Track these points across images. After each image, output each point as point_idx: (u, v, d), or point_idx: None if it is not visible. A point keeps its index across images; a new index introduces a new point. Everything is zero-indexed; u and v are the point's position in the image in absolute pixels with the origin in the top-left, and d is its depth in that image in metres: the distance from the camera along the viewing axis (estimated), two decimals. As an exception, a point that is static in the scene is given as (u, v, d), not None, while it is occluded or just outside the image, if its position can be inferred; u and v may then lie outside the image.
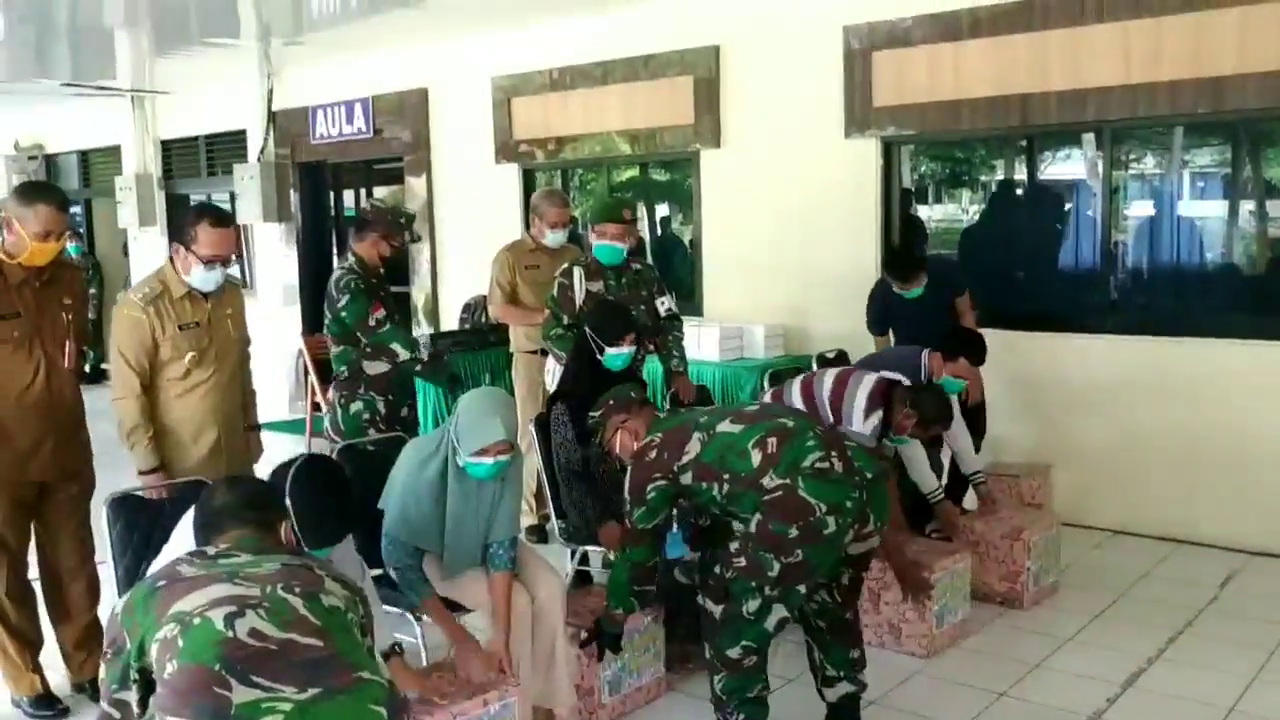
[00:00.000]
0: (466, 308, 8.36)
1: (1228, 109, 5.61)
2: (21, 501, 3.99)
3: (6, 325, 3.85)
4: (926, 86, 6.42)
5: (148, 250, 11.65)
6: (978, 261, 6.72)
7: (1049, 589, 5.08)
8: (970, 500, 5.42)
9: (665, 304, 5.35)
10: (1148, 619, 4.79)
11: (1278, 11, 5.34)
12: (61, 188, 13.95)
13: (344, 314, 4.89)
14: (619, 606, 3.68)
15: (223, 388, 4.12)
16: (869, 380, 4.49)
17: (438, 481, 3.59)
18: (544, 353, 5.45)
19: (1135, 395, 5.95)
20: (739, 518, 3.33)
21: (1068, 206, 6.53)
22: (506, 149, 8.63)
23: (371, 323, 4.91)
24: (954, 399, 4.98)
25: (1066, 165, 6.63)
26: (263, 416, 4.56)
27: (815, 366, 5.76)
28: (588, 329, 4.56)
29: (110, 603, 2.93)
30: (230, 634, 2.05)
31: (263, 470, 3.66)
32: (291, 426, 8.70)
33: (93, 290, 11.21)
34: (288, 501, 2.88)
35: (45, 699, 4.11)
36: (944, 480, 5.07)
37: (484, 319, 7.53)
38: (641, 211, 8.61)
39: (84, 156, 13.41)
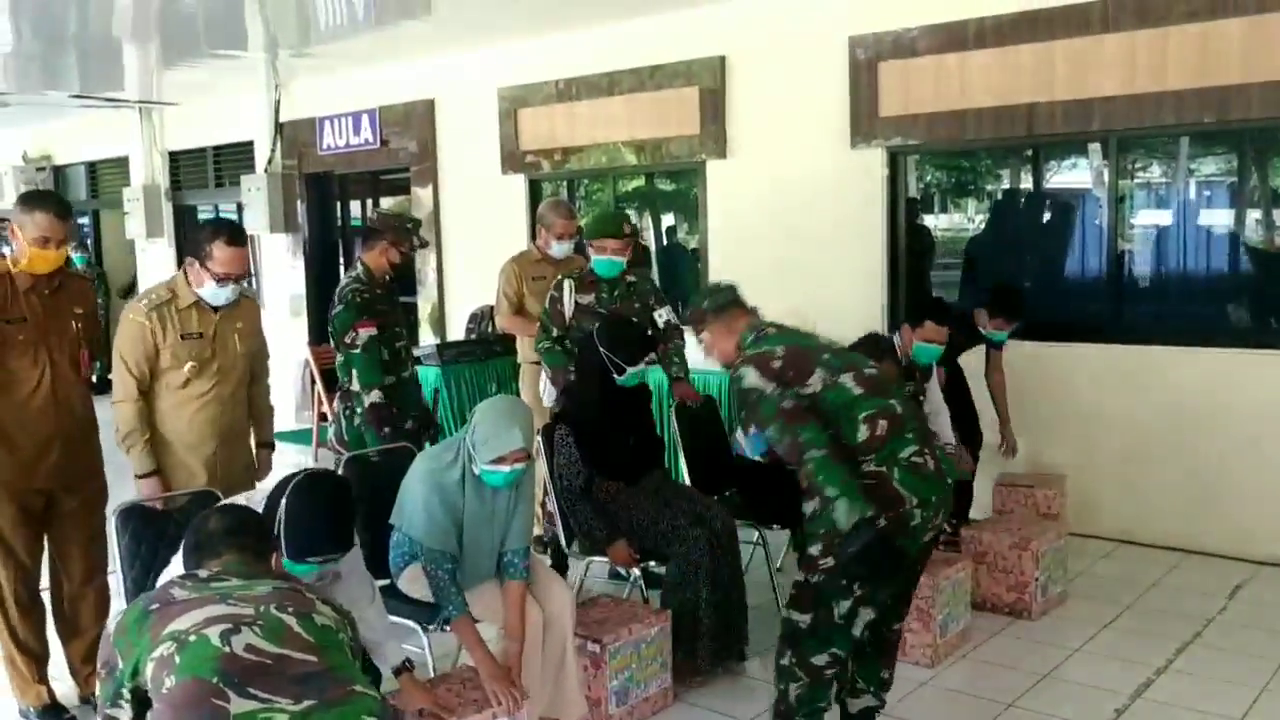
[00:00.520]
0: (473, 318, 8.37)
1: (1233, 118, 5.61)
2: (29, 510, 3.99)
3: (12, 329, 3.87)
4: (932, 97, 6.43)
5: (155, 261, 11.70)
6: (983, 271, 6.72)
7: (1057, 599, 5.08)
8: (978, 510, 5.41)
9: (664, 316, 5.32)
10: (1156, 629, 4.78)
11: (1283, 21, 5.35)
12: (67, 198, 14.02)
13: (334, 322, 4.91)
14: (855, 508, 3.38)
15: (223, 401, 4.12)
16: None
17: (456, 490, 3.60)
18: None
19: (1143, 404, 5.94)
20: (818, 490, 3.21)
21: (1073, 216, 6.53)
22: (513, 159, 8.65)
23: (347, 339, 4.85)
24: (937, 372, 5.04)
25: (1072, 175, 6.63)
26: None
27: None
28: (602, 348, 4.43)
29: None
30: (227, 649, 2.09)
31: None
32: (298, 437, 8.72)
33: (99, 300, 11.23)
34: (281, 507, 2.85)
35: (52, 709, 4.11)
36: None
37: (490, 329, 7.53)
38: (647, 221, 8.63)
39: (92, 168, 13.47)
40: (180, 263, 4.12)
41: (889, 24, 6.53)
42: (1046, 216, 6.62)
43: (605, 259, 5.15)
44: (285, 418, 8.88)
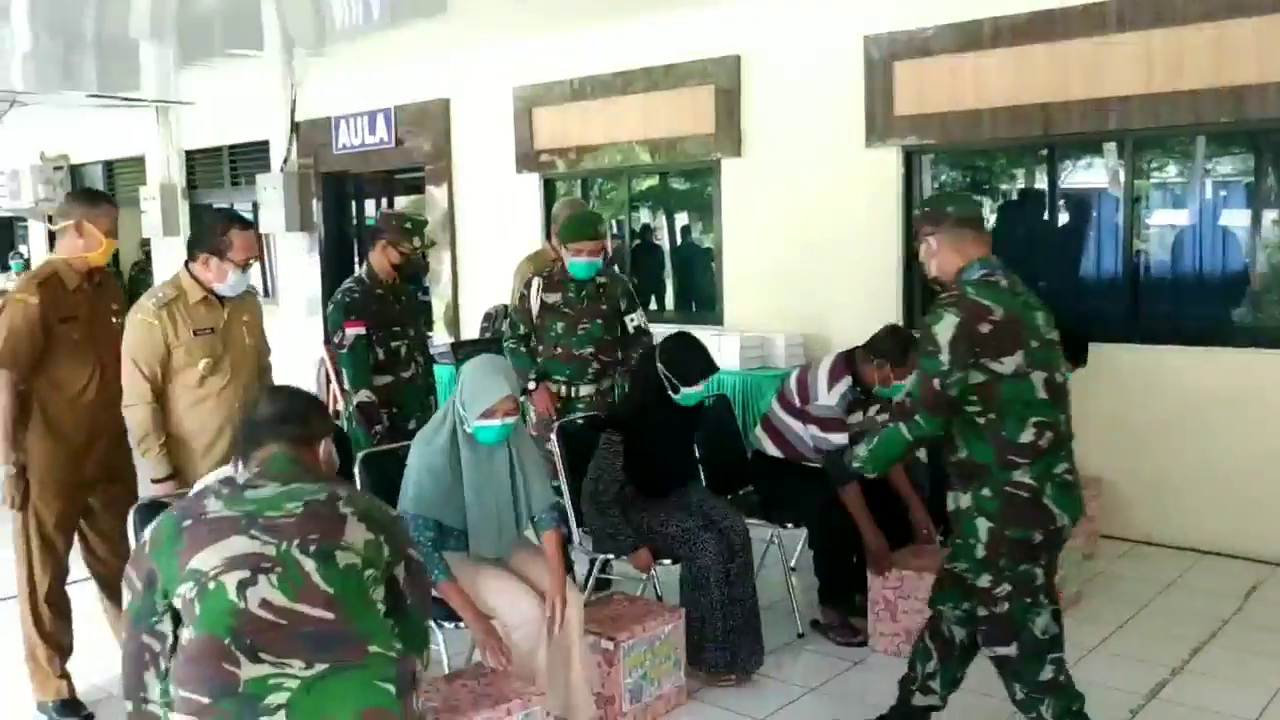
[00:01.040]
0: (487, 316, 8.39)
1: (1250, 118, 5.59)
2: (74, 506, 4.11)
3: (67, 328, 3.97)
4: (947, 96, 6.42)
5: (170, 261, 11.75)
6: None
7: (1073, 599, 5.05)
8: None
9: (634, 320, 5.23)
10: (1172, 630, 4.77)
11: (1301, 20, 5.33)
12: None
13: (327, 323, 4.94)
14: (875, 470, 3.45)
15: (237, 397, 4.14)
16: (829, 358, 4.77)
17: (449, 450, 3.64)
18: None
19: (1159, 405, 5.92)
20: (967, 486, 3.20)
21: (1089, 216, 6.51)
22: (527, 158, 8.67)
23: (336, 339, 4.89)
24: None
25: (1088, 175, 6.61)
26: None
27: None
28: (660, 365, 4.35)
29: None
30: (242, 604, 2.07)
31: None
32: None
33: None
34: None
35: (71, 704, 4.15)
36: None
37: (504, 327, 7.54)
38: (661, 220, 8.64)
39: (109, 167, 13.55)
40: (189, 260, 4.11)
41: (904, 23, 6.52)
42: (1061, 217, 6.60)
43: (582, 261, 5.09)
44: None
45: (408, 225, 5.08)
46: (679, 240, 8.58)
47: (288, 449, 2.47)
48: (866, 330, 4.74)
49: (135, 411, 3.95)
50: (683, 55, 7.58)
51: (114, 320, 4.14)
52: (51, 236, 13.41)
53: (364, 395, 4.87)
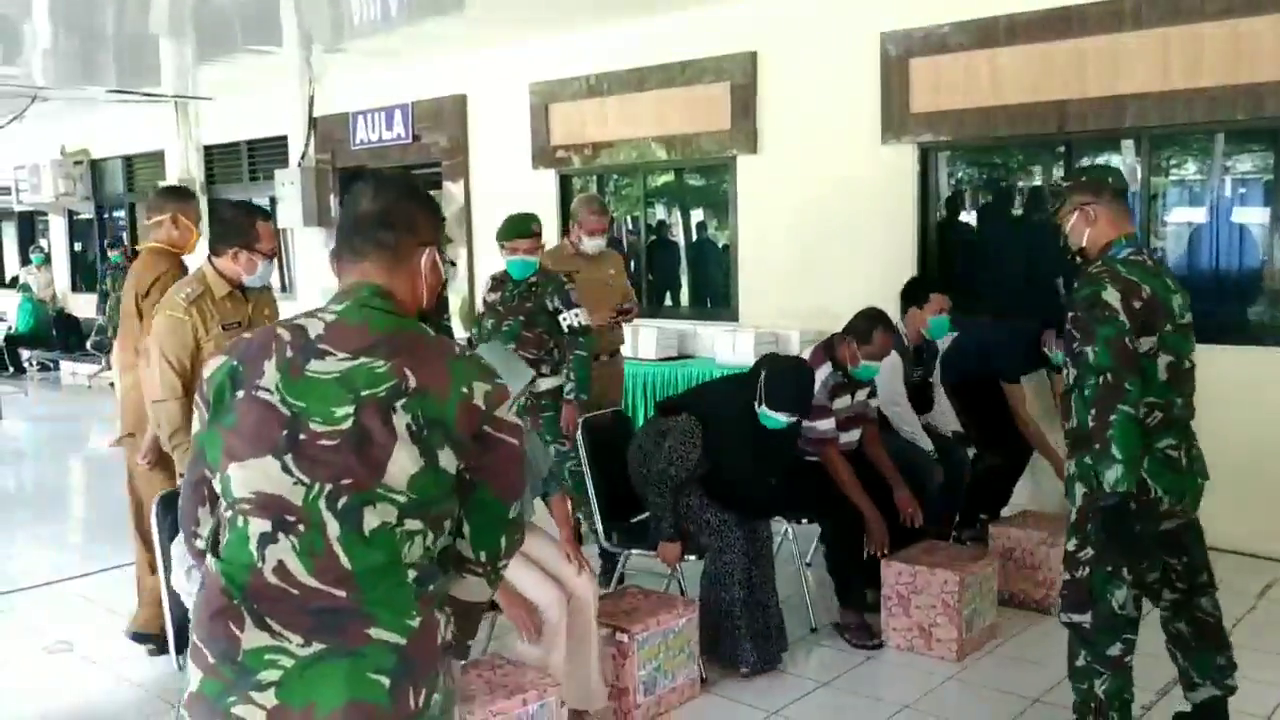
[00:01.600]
0: (503, 312, 8.41)
1: (1267, 115, 5.58)
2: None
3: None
4: (963, 93, 6.42)
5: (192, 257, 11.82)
6: (1012, 268, 6.71)
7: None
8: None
9: (567, 320, 5.23)
10: (1184, 627, 4.75)
11: (1319, 17, 5.31)
12: (104, 191, 14.14)
13: None
14: (1132, 481, 3.17)
15: None
16: (809, 349, 4.98)
17: None
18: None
19: (1173, 402, 5.90)
20: (1104, 446, 3.11)
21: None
22: (544, 154, 8.70)
23: None
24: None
25: (1104, 171, 6.59)
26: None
27: None
28: (764, 374, 4.37)
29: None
30: (259, 564, 1.92)
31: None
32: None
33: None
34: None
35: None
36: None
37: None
38: (676, 216, 8.66)
39: (128, 162, 13.64)
40: (214, 255, 4.14)
41: (920, 20, 6.53)
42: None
43: (517, 259, 5.30)
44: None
45: None
46: (694, 236, 8.60)
47: (379, 273, 2.11)
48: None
49: (166, 407, 3.97)
50: (699, 52, 7.60)
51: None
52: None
53: None
